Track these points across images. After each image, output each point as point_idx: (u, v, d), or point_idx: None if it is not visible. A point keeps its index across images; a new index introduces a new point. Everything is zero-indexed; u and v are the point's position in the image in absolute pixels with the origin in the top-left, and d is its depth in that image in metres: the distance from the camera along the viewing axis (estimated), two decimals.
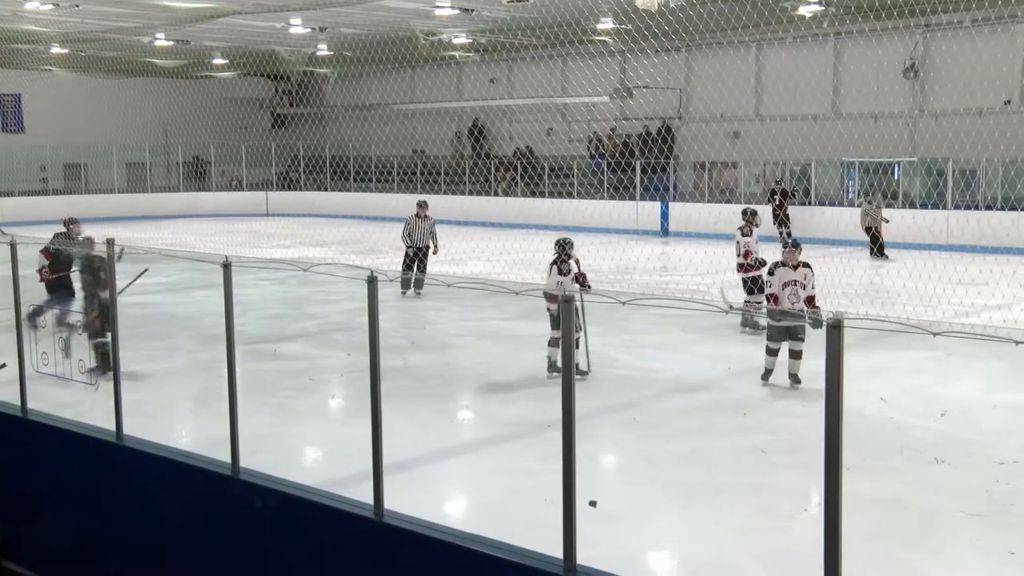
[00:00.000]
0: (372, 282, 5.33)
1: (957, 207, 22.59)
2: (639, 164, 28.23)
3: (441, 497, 7.19)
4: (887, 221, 21.16)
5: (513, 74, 33.59)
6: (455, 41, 28.09)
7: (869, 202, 22.13)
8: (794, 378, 9.77)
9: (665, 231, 27.15)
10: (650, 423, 8.92)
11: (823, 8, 22.34)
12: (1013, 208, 21.57)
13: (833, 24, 25.15)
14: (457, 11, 22.61)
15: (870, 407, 8.92)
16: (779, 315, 9.92)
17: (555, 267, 10.34)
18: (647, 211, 27.43)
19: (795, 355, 9.79)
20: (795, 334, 9.74)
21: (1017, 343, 4.30)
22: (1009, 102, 24.14)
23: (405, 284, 15.46)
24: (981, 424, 8.69)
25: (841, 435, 3.91)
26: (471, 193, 31.82)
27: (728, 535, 6.40)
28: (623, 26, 22.42)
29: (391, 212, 31.37)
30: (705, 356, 11.40)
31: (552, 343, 10.28)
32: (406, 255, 16.23)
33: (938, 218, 21.93)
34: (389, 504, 5.47)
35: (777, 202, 25.22)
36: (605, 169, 29.55)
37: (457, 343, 12.44)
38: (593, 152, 31.35)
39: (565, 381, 4.64)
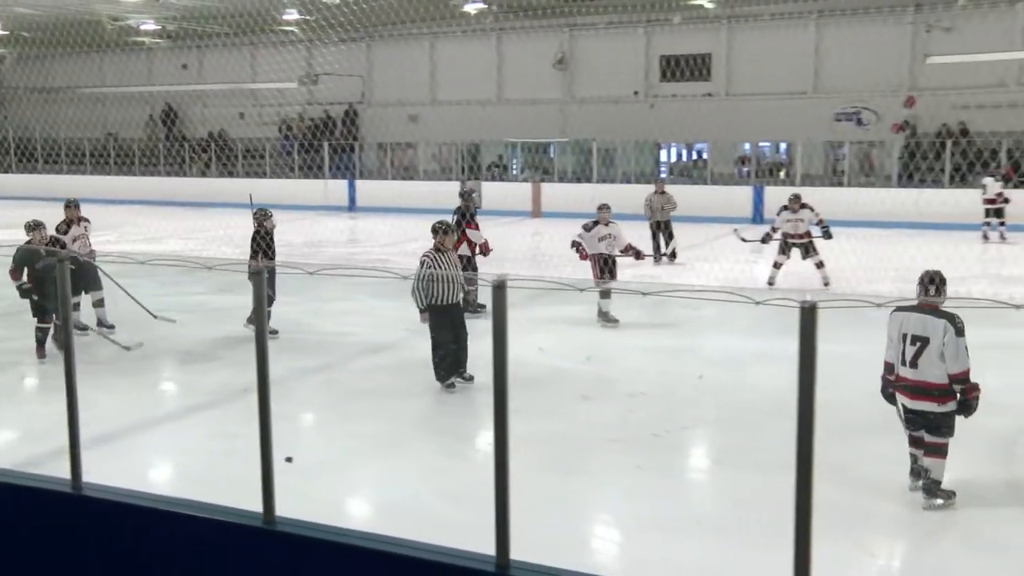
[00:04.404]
0: (61, 263, 4.88)
1: (603, 181, 24.19)
2: (327, 145, 27.89)
3: (145, 465, 6.77)
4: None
5: (204, 60, 31.89)
6: (143, 27, 26.23)
7: (662, 192, 14.94)
8: (932, 489, 5.66)
9: (352, 206, 27.02)
10: (344, 382, 8.89)
11: (486, 6, 23.09)
12: (639, 182, 23.26)
13: (496, 21, 26.04)
14: None
15: (533, 356, 9.39)
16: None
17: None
18: (335, 188, 27.17)
19: (935, 450, 5.64)
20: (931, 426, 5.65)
21: (644, 294, 4.68)
22: (637, 93, 26.14)
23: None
24: (619, 364, 9.42)
25: (506, 386, 4.01)
26: (166, 174, 30.16)
27: (418, 477, 6.53)
28: (308, 17, 21.97)
29: (83, 193, 28.85)
30: (391, 319, 11.47)
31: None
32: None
33: (583, 190, 23.30)
34: (89, 476, 5.07)
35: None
36: (295, 150, 28.94)
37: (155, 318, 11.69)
38: (284, 134, 30.58)
39: (259, 345, 4.49)
